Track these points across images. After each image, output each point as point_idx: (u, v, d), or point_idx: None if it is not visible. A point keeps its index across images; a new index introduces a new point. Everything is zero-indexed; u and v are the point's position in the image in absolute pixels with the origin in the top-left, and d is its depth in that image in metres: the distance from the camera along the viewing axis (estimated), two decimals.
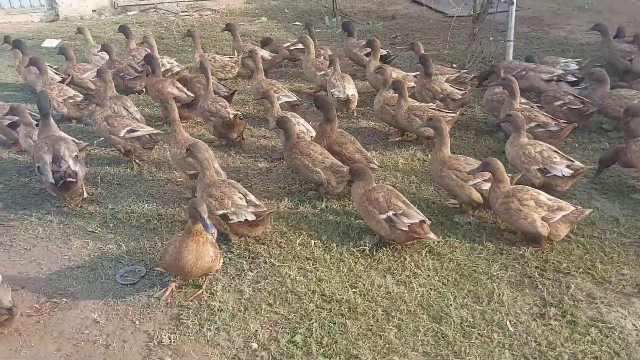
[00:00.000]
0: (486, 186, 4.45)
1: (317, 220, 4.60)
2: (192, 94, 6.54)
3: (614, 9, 10.47)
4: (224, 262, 4.03)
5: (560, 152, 4.74)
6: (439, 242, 4.26)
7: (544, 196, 4.16)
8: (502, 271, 3.97)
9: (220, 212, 4.10)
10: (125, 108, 5.98)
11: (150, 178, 5.35)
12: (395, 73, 6.65)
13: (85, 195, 4.96)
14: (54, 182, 4.59)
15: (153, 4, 12.48)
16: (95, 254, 4.27)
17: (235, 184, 4.35)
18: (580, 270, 3.96)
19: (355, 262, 4.08)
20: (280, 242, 4.32)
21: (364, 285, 3.84)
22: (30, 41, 10.20)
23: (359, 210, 4.36)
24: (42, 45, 9.90)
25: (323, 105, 5.12)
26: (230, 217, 4.10)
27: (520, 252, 4.15)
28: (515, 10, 7.67)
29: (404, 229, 4.03)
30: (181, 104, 6.22)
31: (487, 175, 4.41)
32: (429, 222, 4.12)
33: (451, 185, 4.57)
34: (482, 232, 4.41)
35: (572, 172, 4.60)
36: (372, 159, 5.12)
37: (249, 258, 4.15)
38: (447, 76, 6.89)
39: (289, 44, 8.27)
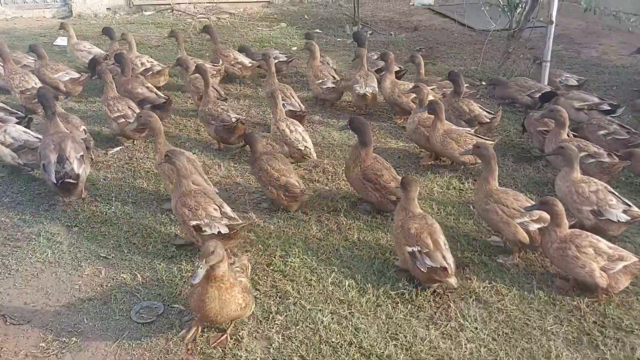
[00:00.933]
0: (534, 226, 4.09)
1: (349, 255, 4.23)
2: (164, 96, 6.40)
3: None
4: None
5: (617, 193, 4.35)
6: (485, 287, 3.89)
7: (604, 243, 3.78)
8: (557, 326, 3.59)
9: (194, 222, 3.92)
10: (130, 107, 5.83)
11: (169, 196, 4.98)
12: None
13: (84, 195, 4.85)
14: (55, 182, 4.57)
15: (169, 4, 12.15)
16: (109, 284, 3.90)
17: (213, 194, 4.14)
18: None
19: (394, 308, 3.70)
20: (311, 280, 3.95)
21: (406, 337, 3.46)
22: (42, 38, 9.88)
23: (393, 233, 4.04)
24: (54, 44, 9.57)
25: (359, 128, 4.74)
26: (204, 229, 3.89)
27: (575, 303, 3.77)
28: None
29: (422, 269, 3.70)
30: (152, 104, 6.20)
31: (537, 215, 4.05)
32: (452, 269, 3.73)
33: (496, 221, 4.19)
34: (531, 278, 4.03)
35: (629, 218, 4.22)
36: None
37: (277, 297, 3.78)
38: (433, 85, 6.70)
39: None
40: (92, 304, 3.72)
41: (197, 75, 6.33)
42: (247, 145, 4.99)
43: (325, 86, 6.96)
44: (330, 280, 3.94)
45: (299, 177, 4.81)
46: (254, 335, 3.47)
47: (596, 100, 6.35)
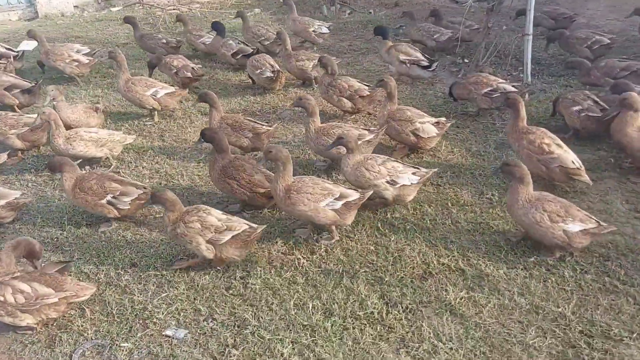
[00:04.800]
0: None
1: (315, 271, 3.91)
2: (29, 82, 6.62)
3: None
4: (204, 334, 3.38)
5: None
6: (461, 299, 3.58)
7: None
8: (540, 339, 3.27)
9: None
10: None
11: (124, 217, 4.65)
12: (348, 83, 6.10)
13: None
14: None
15: None
16: (54, 323, 3.59)
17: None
18: (635, 335, 3.26)
19: (362, 331, 3.39)
20: (272, 304, 3.63)
21: None
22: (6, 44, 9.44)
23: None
24: (17, 49, 9.14)
25: (212, 138, 4.56)
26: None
27: (560, 309, 3.46)
28: None
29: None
30: (20, 89, 6.51)
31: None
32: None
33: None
34: (512, 283, 3.71)
35: None
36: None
37: (234, 327, 3.47)
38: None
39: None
40: (33, 348, 3.42)
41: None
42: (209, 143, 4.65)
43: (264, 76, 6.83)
44: (293, 302, 3.62)
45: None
46: None
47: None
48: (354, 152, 4.41)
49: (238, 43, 7.72)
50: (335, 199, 4.02)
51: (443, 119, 5.35)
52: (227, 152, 4.59)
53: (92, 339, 3.44)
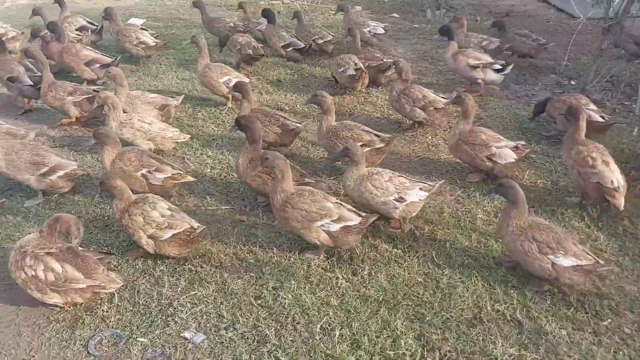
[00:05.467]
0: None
1: (352, 295, 3.58)
2: (110, 57, 6.77)
3: None
4: (221, 343, 3.20)
5: None
6: (510, 356, 3.11)
7: None
8: None
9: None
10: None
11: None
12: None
13: None
14: None
15: None
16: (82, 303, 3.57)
17: None
18: None
19: None
20: (298, 323, 3.35)
21: None
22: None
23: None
24: (126, 23, 9.48)
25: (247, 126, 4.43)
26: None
27: None
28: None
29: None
30: (100, 64, 6.69)
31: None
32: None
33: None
34: (575, 349, 3.17)
35: None
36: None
37: (253, 342, 3.24)
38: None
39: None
40: (56, 327, 3.40)
41: None
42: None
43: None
44: (320, 325, 3.33)
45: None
46: None
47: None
48: (358, 165, 4.04)
49: (291, 36, 7.72)
50: (333, 220, 3.71)
51: (522, 143, 4.82)
52: (259, 144, 4.41)
53: (112, 327, 3.37)
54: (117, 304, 3.54)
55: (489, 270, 3.80)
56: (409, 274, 3.77)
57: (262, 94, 6.72)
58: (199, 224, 3.83)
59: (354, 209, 3.85)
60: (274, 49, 7.82)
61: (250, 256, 3.96)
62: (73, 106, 5.77)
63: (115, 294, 3.60)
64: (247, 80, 6.17)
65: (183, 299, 3.57)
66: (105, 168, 4.54)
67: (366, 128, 4.90)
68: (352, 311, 3.45)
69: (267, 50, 7.80)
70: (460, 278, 3.73)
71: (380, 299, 3.54)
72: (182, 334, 3.30)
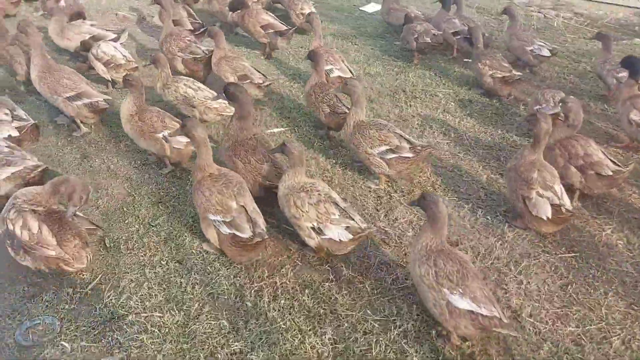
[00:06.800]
0: None
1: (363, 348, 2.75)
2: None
3: None
4: None
5: None
6: None
7: None
8: None
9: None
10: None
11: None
12: None
13: None
14: None
15: None
16: None
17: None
18: None
19: None
20: None
21: None
22: None
23: None
24: (360, 9, 9.11)
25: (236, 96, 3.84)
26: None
27: None
28: None
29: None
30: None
31: None
32: None
33: None
34: None
35: None
36: None
37: None
38: None
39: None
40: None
41: None
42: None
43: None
44: None
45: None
46: None
47: None
48: (295, 170, 3.37)
49: (462, 24, 7.07)
50: (225, 222, 3.17)
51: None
52: (248, 120, 3.84)
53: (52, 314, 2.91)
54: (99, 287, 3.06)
55: None
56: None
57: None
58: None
59: (262, 224, 3.20)
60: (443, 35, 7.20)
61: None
62: (180, 62, 5.65)
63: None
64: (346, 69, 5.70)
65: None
66: (122, 121, 4.22)
67: (399, 131, 4.10)
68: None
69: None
70: None
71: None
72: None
